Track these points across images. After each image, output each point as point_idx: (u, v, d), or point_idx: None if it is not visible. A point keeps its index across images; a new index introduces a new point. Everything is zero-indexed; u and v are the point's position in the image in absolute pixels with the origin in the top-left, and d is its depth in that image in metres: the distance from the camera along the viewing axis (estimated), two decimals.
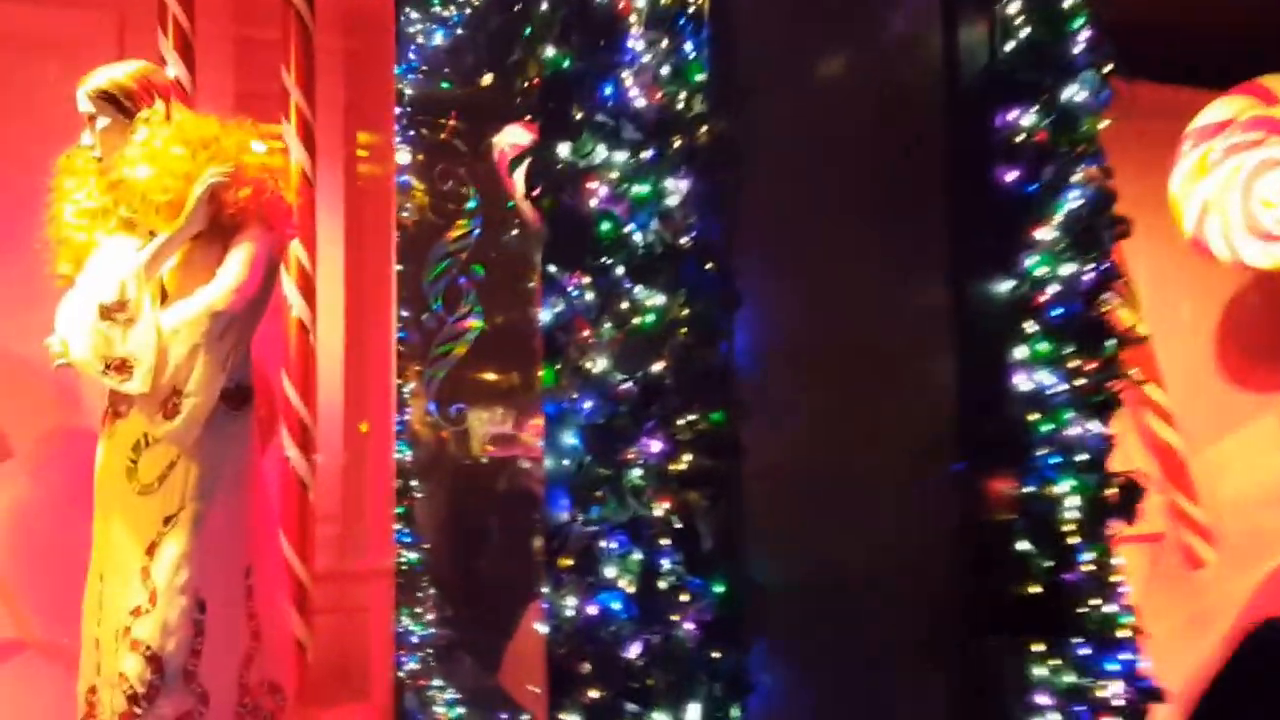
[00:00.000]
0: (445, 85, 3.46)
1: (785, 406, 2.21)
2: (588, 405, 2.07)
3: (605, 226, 2.07)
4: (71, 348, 2.34)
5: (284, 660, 2.59)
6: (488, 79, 3.38)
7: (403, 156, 3.37)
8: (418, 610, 3.42)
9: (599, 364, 2.06)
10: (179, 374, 2.32)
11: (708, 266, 2.11)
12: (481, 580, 3.41)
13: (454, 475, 3.45)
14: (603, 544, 2.06)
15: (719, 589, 2.02)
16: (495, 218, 3.08)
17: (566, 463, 2.10)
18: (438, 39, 3.47)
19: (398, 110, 3.46)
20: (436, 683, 3.34)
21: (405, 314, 3.04)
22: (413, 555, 3.43)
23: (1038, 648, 2.34)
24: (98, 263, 2.40)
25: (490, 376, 3.15)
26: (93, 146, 2.47)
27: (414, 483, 3.43)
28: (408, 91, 3.46)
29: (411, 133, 3.40)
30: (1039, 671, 2.34)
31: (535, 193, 2.08)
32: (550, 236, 2.11)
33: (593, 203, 2.08)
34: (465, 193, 3.09)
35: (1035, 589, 2.32)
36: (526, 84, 2.34)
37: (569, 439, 2.09)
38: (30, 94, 3.33)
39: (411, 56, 3.50)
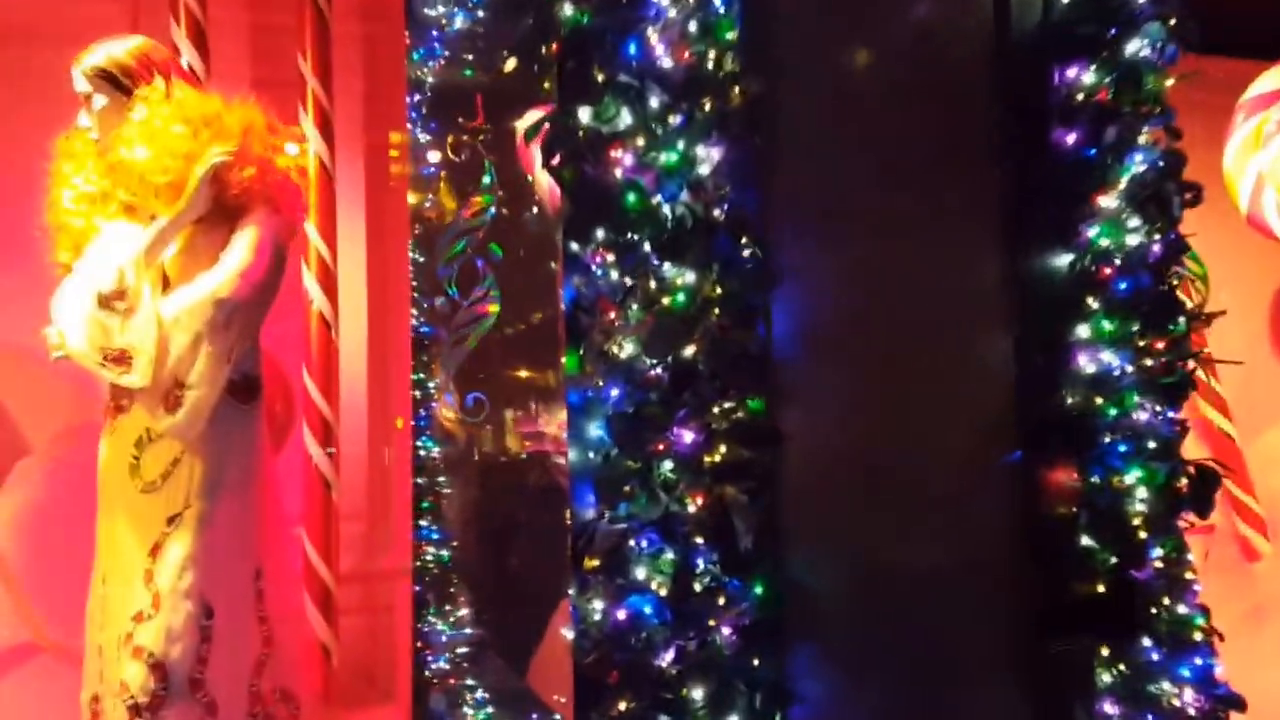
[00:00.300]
0: (468, 73, 3.25)
1: (828, 392, 2.00)
2: (614, 393, 1.87)
3: (630, 198, 1.87)
4: (68, 339, 2.18)
5: (297, 667, 2.41)
6: (511, 64, 3.17)
7: (424, 148, 3.16)
8: (447, 608, 3.24)
9: (626, 348, 1.86)
10: (181, 365, 2.14)
11: (743, 241, 1.91)
12: (512, 579, 3.22)
13: (481, 470, 3.26)
14: (632, 543, 1.85)
15: (759, 591, 1.82)
16: (514, 194, 2.88)
17: (592, 455, 1.90)
18: (458, 23, 3.26)
19: (417, 98, 3.27)
20: (467, 683, 3.15)
21: (427, 305, 2.84)
22: (442, 553, 3.25)
23: (1104, 651, 2.10)
24: (96, 250, 2.23)
25: (513, 364, 2.94)
26: (90, 128, 2.30)
27: (441, 479, 3.24)
28: (428, 79, 3.26)
29: (433, 123, 3.20)
30: (1105, 677, 2.11)
31: (554, 162, 1.86)
32: (571, 211, 1.90)
33: (617, 173, 1.87)
34: (481, 167, 2.89)
35: (1100, 588, 2.08)
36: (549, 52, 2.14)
37: (594, 430, 1.89)
38: (44, 85, 3.18)
39: (436, 45, 3.30)
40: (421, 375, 3.13)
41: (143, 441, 2.24)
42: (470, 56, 3.27)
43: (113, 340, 2.14)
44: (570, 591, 1.93)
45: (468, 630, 3.18)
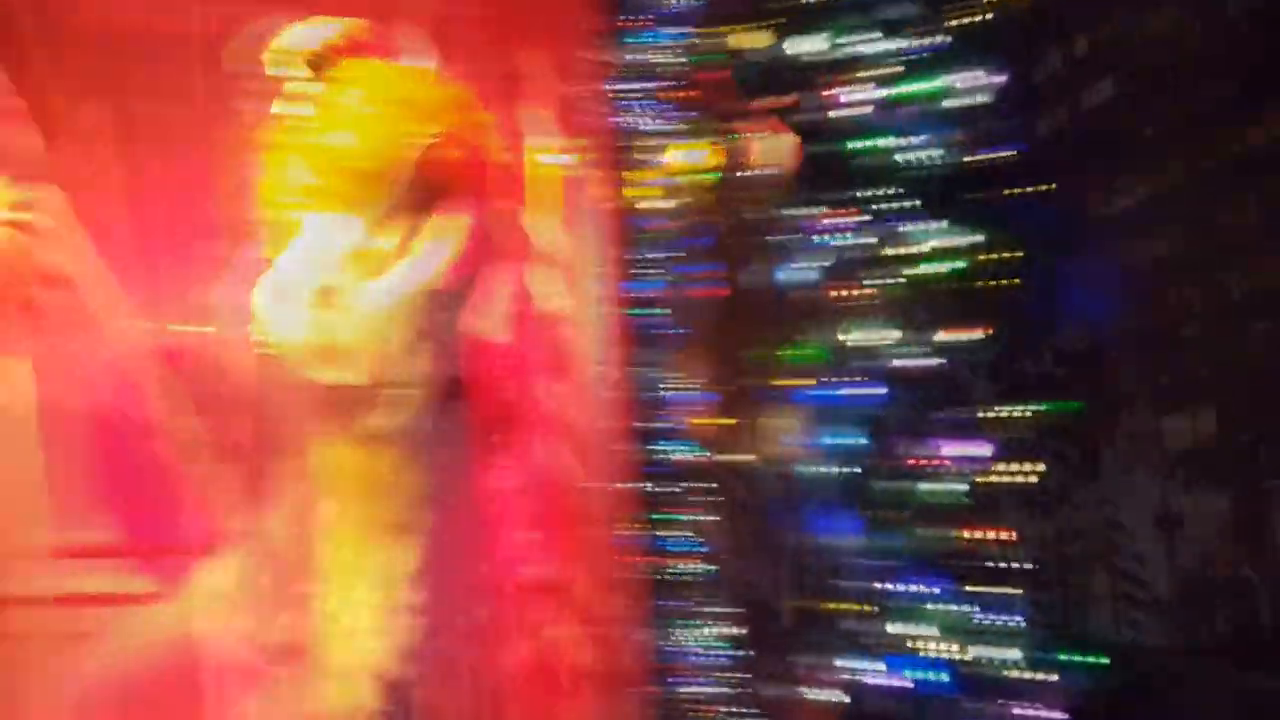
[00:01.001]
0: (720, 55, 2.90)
1: (1172, 387, 1.42)
2: (860, 391, 1.45)
3: (869, 144, 1.44)
4: (280, 337, 2.02)
5: (519, 690, 2.13)
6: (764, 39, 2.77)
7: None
8: (702, 624, 2.90)
9: (871, 334, 1.44)
10: (391, 362, 1.93)
11: (1022, 191, 1.41)
12: (776, 600, 2.81)
13: (726, 476, 2.89)
14: (890, 586, 1.38)
15: (1084, 660, 1.27)
16: (736, 165, 2.48)
17: (835, 470, 1.50)
18: None
19: (650, 85, 2.97)
20: (721, 709, 2.78)
21: (645, 293, 2.53)
22: (690, 565, 2.92)
23: None
24: (304, 243, 2.07)
25: (748, 354, 2.52)
26: (292, 115, 2.15)
27: (694, 484, 2.92)
28: (659, 61, 2.95)
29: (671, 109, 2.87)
30: None
31: (767, 105, 1.45)
32: (795, 166, 1.46)
33: (846, 114, 1.45)
34: (701, 138, 2.50)
35: None
36: None
37: (837, 437, 1.48)
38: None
39: (673, 29, 2.99)
40: (665, 372, 2.82)
41: (356, 446, 2.05)
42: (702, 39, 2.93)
43: (325, 337, 1.97)
44: (815, 639, 1.50)
45: (721, 652, 2.84)
